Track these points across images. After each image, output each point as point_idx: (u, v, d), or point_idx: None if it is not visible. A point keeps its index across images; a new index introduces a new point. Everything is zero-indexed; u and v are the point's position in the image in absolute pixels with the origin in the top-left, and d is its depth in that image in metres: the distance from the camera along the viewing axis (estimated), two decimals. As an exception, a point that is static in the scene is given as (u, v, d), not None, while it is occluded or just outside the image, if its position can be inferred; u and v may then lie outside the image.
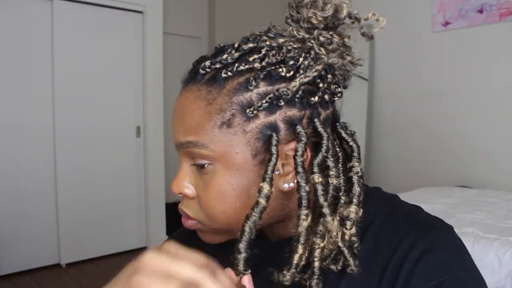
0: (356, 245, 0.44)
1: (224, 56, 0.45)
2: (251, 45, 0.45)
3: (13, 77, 2.88)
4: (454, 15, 2.78)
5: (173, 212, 3.52)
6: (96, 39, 3.22)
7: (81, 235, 3.19)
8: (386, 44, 3.13)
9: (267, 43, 0.45)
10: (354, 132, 0.51)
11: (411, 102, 3.05)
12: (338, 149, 0.48)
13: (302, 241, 0.43)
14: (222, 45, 0.49)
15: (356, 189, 0.45)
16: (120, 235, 3.43)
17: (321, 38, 0.46)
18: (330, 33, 0.46)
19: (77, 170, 3.16)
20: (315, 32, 0.46)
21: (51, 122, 3.03)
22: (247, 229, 0.41)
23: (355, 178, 0.46)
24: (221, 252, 0.49)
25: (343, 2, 0.45)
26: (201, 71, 0.46)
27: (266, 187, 0.42)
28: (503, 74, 2.60)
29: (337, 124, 0.50)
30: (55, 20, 3.00)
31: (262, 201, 0.42)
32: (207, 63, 0.45)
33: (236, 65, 0.44)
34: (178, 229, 0.66)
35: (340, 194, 0.45)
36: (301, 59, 0.45)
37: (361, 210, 0.44)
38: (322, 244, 0.43)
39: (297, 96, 0.44)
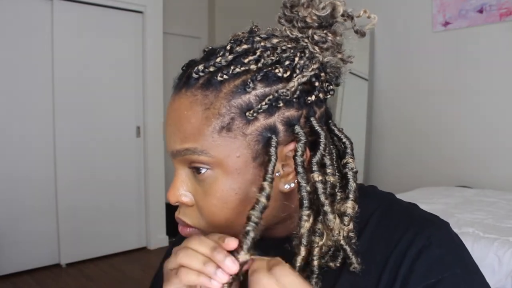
0: (353, 240, 0.45)
1: (218, 59, 0.44)
2: (245, 46, 0.44)
3: (13, 77, 2.88)
4: (454, 15, 2.78)
5: (173, 212, 3.55)
6: (96, 39, 3.22)
7: (81, 235, 3.19)
8: (386, 44, 3.13)
9: (262, 44, 0.44)
10: (342, 129, 0.51)
11: (411, 102, 3.05)
12: (331, 146, 0.48)
13: (305, 243, 0.43)
14: (211, 47, 0.48)
15: (352, 184, 0.45)
16: (120, 235, 3.43)
17: (316, 37, 0.45)
18: (325, 31, 0.46)
19: (77, 170, 3.16)
20: (309, 31, 0.46)
21: (51, 122, 3.03)
22: (250, 230, 0.40)
23: (350, 174, 0.46)
24: None
25: (337, 0, 0.45)
26: (194, 75, 0.44)
27: (267, 185, 0.42)
28: (503, 74, 2.60)
29: (330, 121, 0.50)
30: (55, 20, 3.00)
31: (263, 199, 0.41)
32: (200, 67, 0.44)
33: (232, 67, 0.43)
34: (179, 233, 0.66)
35: (336, 190, 0.46)
36: (296, 59, 0.44)
37: (357, 206, 0.45)
38: (321, 243, 0.44)
39: (295, 96, 0.44)
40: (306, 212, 0.43)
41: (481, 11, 2.66)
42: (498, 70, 2.62)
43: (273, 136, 0.43)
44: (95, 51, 3.21)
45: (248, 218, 0.41)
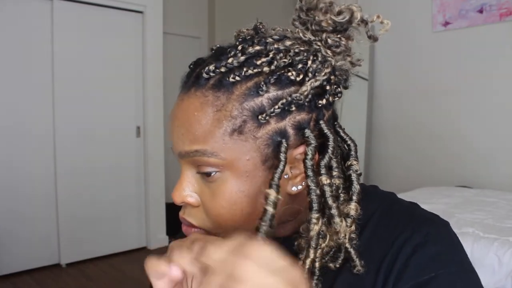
0: (354, 242, 0.45)
1: (230, 60, 0.43)
2: (257, 48, 0.44)
3: (13, 77, 2.88)
4: (454, 15, 2.78)
5: (173, 212, 3.54)
6: (96, 39, 3.22)
7: (81, 235, 3.19)
8: (386, 44, 3.13)
9: (275, 46, 0.44)
10: (344, 129, 0.51)
11: (411, 102, 3.05)
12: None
13: (314, 245, 0.43)
14: (218, 46, 0.48)
15: (356, 186, 0.45)
16: (120, 235, 3.43)
17: (329, 41, 0.45)
18: (339, 36, 0.46)
19: (77, 170, 3.16)
20: (323, 35, 0.45)
21: (51, 122, 3.03)
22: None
23: (354, 176, 0.46)
24: None
25: (353, 6, 0.45)
26: (205, 75, 0.44)
27: (272, 193, 0.41)
28: (503, 74, 2.60)
29: (336, 123, 0.50)
30: (55, 20, 3.00)
31: (270, 208, 0.41)
32: (211, 67, 0.43)
33: (244, 69, 0.43)
34: (179, 233, 0.66)
35: (340, 192, 0.46)
36: (309, 62, 0.44)
37: (360, 208, 0.45)
38: (323, 244, 0.44)
39: (307, 100, 0.44)
40: (315, 215, 0.43)
41: (481, 11, 2.66)
42: (498, 70, 2.62)
43: (283, 141, 0.43)
44: (95, 51, 3.21)
45: (257, 229, 0.41)
